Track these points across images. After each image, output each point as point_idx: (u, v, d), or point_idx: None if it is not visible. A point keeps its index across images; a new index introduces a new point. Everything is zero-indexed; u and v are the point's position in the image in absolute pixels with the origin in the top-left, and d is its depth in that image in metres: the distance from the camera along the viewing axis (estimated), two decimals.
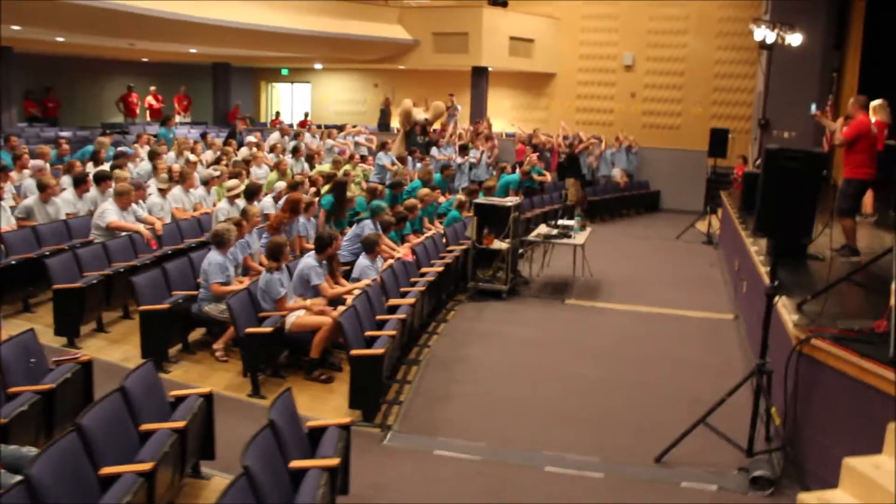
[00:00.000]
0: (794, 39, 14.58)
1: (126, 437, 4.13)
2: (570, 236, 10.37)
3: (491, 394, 6.71)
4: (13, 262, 7.10)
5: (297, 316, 6.68)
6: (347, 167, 12.64)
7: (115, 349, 6.92)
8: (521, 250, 10.92)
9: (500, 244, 9.71)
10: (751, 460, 5.21)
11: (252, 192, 9.11)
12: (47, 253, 7.52)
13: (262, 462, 3.71)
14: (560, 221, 11.06)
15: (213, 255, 6.99)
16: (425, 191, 11.14)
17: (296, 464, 3.99)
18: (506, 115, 22.70)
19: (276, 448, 3.96)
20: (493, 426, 6.01)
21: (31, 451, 3.88)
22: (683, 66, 20.72)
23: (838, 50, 15.89)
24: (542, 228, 10.92)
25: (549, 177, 15.61)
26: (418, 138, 15.92)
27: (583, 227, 10.98)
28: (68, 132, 17.13)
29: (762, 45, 14.53)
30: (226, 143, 14.87)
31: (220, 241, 7.04)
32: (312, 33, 18.83)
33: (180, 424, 4.25)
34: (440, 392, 6.68)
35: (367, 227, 8.91)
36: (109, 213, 8.44)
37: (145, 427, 4.25)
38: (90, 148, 12.07)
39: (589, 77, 21.93)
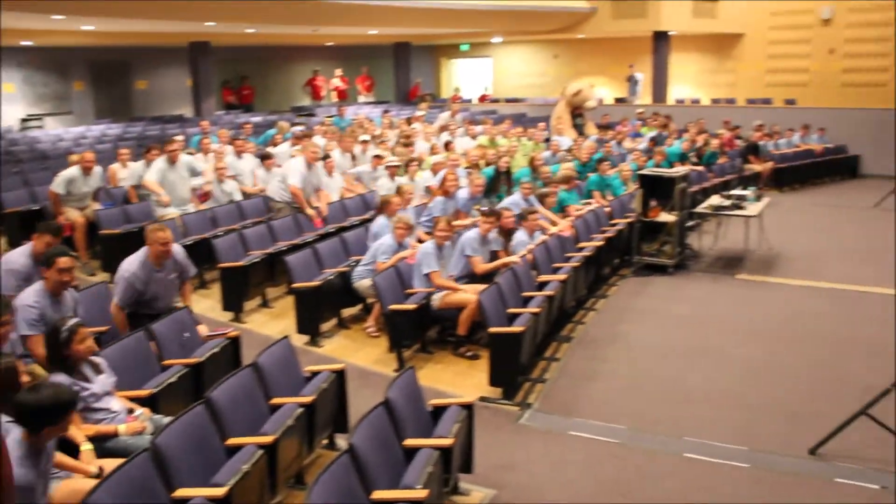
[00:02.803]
0: None
1: (257, 409, 4.35)
2: (742, 207, 9.74)
3: (639, 374, 6.46)
4: (189, 243, 7.64)
5: (445, 293, 6.73)
6: (503, 141, 12.48)
7: (276, 324, 7.30)
8: (691, 223, 10.40)
9: (666, 216, 9.29)
10: None
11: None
12: (220, 233, 8.06)
13: (372, 440, 3.78)
14: (734, 192, 10.41)
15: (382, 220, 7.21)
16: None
17: (409, 442, 4.02)
18: (690, 81, 21.61)
19: (389, 426, 4.02)
20: (636, 408, 5.78)
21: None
22: (892, 15, 18.66)
23: None
24: (714, 199, 10.34)
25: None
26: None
27: (758, 198, 10.26)
28: (259, 117, 18.25)
29: None
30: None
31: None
32: (490, 7, 18.77)
33: (308, 399, 4.42)
34: (586, 371, 6.52)
35: (513, 200, 8.76)
36: (294, 175, 8.70)
37: (275, 401, 4.45)
38: (271, 132, 12.78)
39: (781, 35, 20.40)
